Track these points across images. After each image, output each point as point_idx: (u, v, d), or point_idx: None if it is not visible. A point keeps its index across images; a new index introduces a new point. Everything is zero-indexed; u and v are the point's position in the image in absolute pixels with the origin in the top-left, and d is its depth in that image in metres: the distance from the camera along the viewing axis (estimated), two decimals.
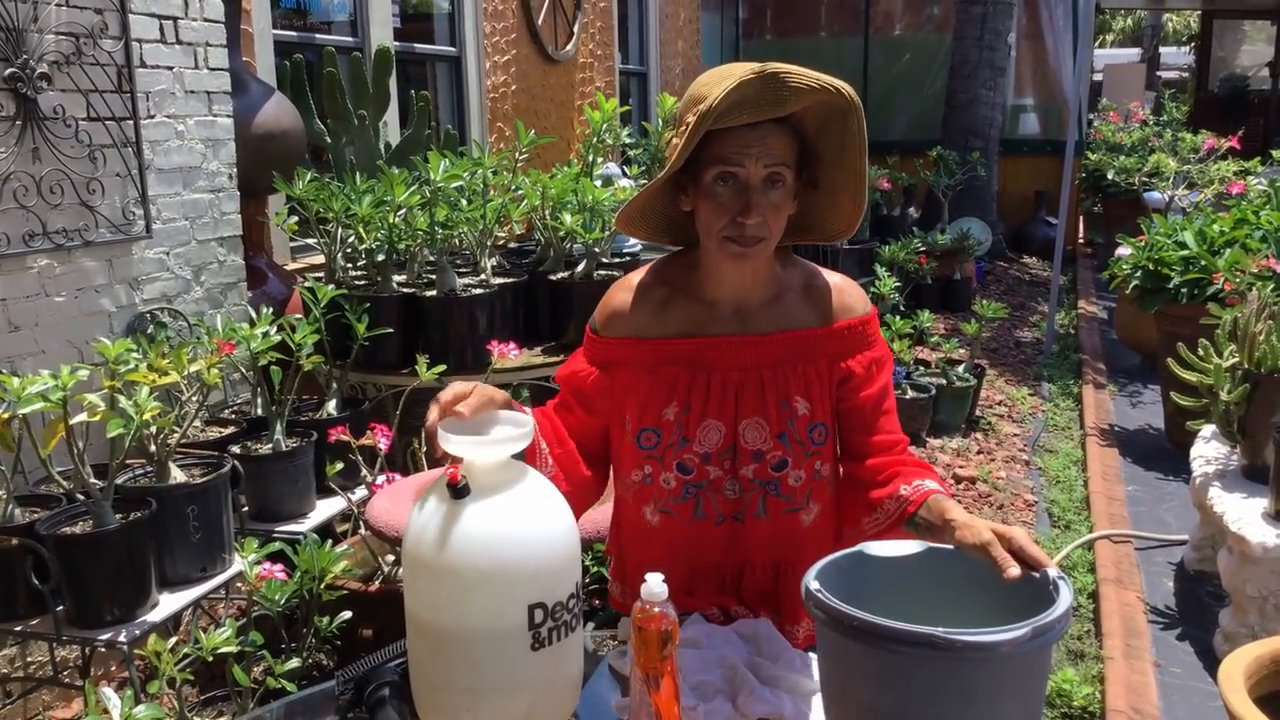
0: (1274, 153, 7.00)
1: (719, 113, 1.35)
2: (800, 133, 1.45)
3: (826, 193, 1.51)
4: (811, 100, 1.39)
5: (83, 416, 2.12)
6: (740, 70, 1.35)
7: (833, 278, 1.60)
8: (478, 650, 1.21)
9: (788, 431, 1.50)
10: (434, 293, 3.33)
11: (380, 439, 2.58)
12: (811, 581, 1.17)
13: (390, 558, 2.62)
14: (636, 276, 1.60)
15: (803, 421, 1.51)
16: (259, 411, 3.00)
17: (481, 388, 1.32)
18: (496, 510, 1.22)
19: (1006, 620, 1.08)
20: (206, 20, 3.21)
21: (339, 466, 2.65)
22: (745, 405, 1.51)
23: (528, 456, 1.42)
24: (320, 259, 3.97)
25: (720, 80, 1.36)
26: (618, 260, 3.88)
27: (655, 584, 1.17)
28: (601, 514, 2.12)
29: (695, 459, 1.51)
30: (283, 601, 2.00)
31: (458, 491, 1.21)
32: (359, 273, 3.66)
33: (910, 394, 4.73)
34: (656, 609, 1.16)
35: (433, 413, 1.27)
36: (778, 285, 1.56)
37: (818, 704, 1.29)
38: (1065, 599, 1.13)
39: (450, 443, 1.22)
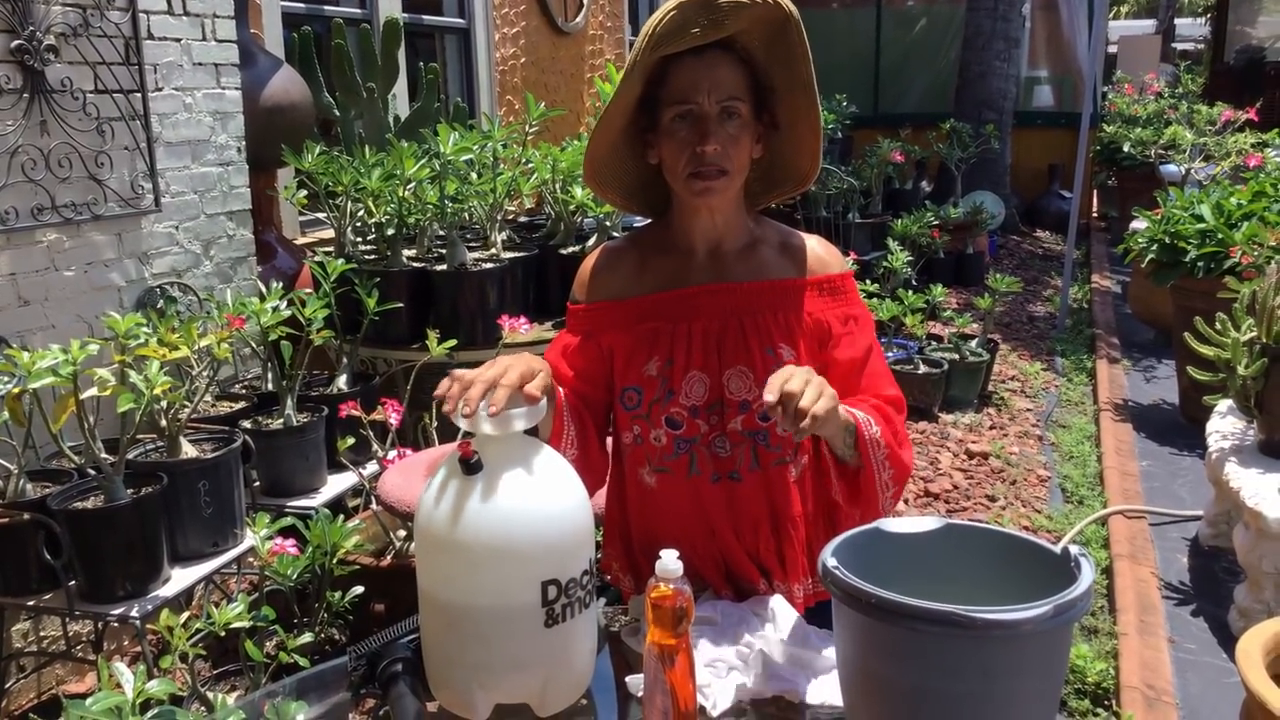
0: None
1: (660, 37, 1.38)
2: (751, 64, 1.47)
3: (788, 128, 1.52)
4: (750, 18, 1.40)
5: (93, 391, 2.12)
6: None
7: (809, 237, 1.61)
8: (491, 627, 1.20)
9: None
10: (444, 267, 3.32)
11: (391, 414, 2.57)
12: (829, 558, 1.16)
13: (401, 532, 2.61)
14: (610, 244, 1.64)
15: None
16: (269, 386, 2.99)
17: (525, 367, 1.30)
18: (510, 486, 1.20)
19: (1024, 597, 1.06)
20: None
21: (350, 441, 2.64)
22: (728, 354, 1.50)
23: (554, 435, 1.41)
24: (330, 233, 3.96)
25: (663, 9, 1.39)
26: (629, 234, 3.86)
27: (670, 561, 1.15)
28: None
29: (683, 413, 1.50)
30: (294, 576, 2.00)
31: (470, 467, 1.20)
32: (369, 247, 3.65)
33: (923, 369, 4.71)
34: (672, 586, 1.14)
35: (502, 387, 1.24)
36: (751, 236, 1.57)
37: (834, 681, 1.27)
38: (1087, 576, 1.11)
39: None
